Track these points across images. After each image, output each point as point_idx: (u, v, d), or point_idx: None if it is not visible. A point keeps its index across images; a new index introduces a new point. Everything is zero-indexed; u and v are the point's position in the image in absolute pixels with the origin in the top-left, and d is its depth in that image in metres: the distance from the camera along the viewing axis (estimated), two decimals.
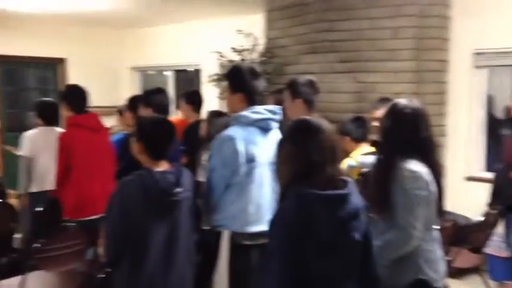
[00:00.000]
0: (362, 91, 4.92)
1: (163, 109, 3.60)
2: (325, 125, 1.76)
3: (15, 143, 4.46)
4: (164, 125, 2.44)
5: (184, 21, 7.43)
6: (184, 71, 8.11)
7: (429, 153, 2.19)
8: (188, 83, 8.01)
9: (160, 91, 3.72)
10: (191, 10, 6.58)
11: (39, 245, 2.91)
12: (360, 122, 3.37)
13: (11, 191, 4.31)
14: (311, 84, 2.95)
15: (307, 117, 1.87)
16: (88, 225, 3.41)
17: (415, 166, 2.12)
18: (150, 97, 3.68)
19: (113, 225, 2.26)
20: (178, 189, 2.27)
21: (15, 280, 3.04)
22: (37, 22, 7.20)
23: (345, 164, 2.97)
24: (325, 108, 4.17)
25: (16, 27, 7.06)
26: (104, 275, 2.46)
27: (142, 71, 8.64)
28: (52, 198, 3.72)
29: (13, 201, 4.08)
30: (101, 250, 2.41)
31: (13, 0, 5.70)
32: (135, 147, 2.37)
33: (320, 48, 5.19)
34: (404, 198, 2.10)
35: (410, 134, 2.18)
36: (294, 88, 2.92)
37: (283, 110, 2.75)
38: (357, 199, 1.72)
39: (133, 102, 4.02)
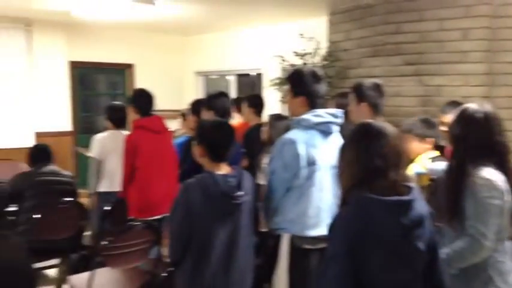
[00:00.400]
0: (428, 95, 4.77)
1: (225, 113, 3.65)
2: (389, 129, 1.71)
3: (86, 145, 4.68)
4: (225, 128, 2.45)
5: (247, 27, 7.51)
6: (247, 75, 8.20)
7: (503, 160, 2.08)
8: (250, 87, 8.08)
9: (223, 95, 3.77)
10: (254, 15, 6.65)
11: (106, 243, 3.01)
12: (428, 122, 3.18)
13: (82, 191, 4.52)
14: (377, 87, 2.87)
15: (370, 121, 1.83)
16: (153, 224, 3.51)
17: (490, 173, 2.02)
18: (213, 101, 3.74)
19: (177, 227, 2.31)
20: (239, 193, 2.29)
21: (84, 275, 3.16)
22: (108, 30, 7.53)
23: (412, 170, 2.85)
24: (389, 112, 4.07)
25: (90, 36, 7.42)
26: (167, 274, 2.52)
27: (206, 76, 8.82)
28: (119, 198, 3.86)
29: (84, 200, 4.28)
30: (164, 250, 2.46)
31: (87, 10, 6.01)
32: (197, 151, 2.41)
33: (384, 51, 5.08)
34: (477, 206, 2.01)
35: (483, 140, 2.08)
36: (359, 91, 2.86)
37: (346, 113, 2.70)
38: (421, 206, 1.66)
39: (196, 106, 4.09)
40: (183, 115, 5.10)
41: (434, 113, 3.75)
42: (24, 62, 6.86)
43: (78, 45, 7.33)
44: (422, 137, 3.05)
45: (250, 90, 7.61)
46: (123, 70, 8.21)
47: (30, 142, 5.96)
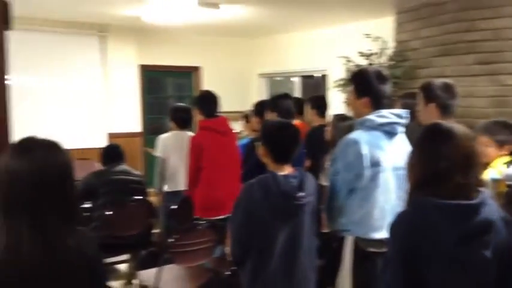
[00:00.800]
0: (503, 95, 4.53)
1: (289, 114, 3.65)
2: (460, 130, 1.62)
3: (154, 146, 4.85)
4: (289, 129, 2.44)
5: (312, 28, 7.49)
6: (311, 76, 8.16)
7: None
8: (315, 88, 8.04)
9: (286, 96, 3.78)
10: (319, 17, 6.61)
11: (172, 240, 3.11)
12: (508, 126, 2.97)
13: (150, 190, 4.71)
14: (447, 88, 2.75)
15: (439, 122, 1.76)
16: (217, 224, 3.58)
17: None
18: (277, 102, 3.76)
19: (238, 227, 2.33)
20: (301, 194, 2.28)
21: (152, 271, 3.28)
22: (176, 34, 7.77)
23: (488, 176, 2.70)
24: (461, 113, 3.90)
25: (158, 40, 7.69)
26: (230, 273, 2.56)
27: (270, 78, 8.86)
28: (185, 197, 3.97)
29: (153, 199, 4.44)
30: (227, 249, 2.51)
31: (156, 15, 6.22)
32: (261, 151, 2.41)
33: (455, 49, 4.89)
34: None
35: None
36: (428, 91, 2.76)
37: (412, 113, 2.62)
38: (490, 211, 1.55)
39: (259, 108, 4.13)
40: (246, 117, 5.16)
41: (509, 114, 3.56)
42: (98, 67, 7.21)
43: (147, 50, 7.62)
44: (502, 143, 2.86)
45: (315, 92, 7.56)
46: (190, 73, 8.43)
47: (103, 142, 6.24)
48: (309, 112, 4.54)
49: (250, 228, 2.27)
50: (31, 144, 1.46)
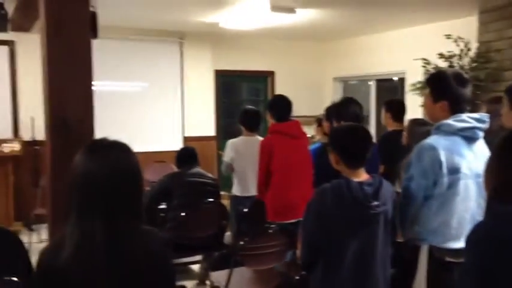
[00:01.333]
0: None
1: (356, 119, 3.56)
2: None
3: None
4: (359, 132, 2.38)
5: (389, 29, 7.29)
6: (388, 80, 7.94)
7: None
8: (391, 92, 7.82)
9: (351, 101, 3.69)
10: (396, 18, 6.43)
11: (242, 243, 3.13)
12: None
13: (223, 193, 4.80)
14: None
15: None
16: (288, 228, 3.57)
17: None
18: (340, 109, 3.68)
19: (309, 232, 2.30)
20: (375, 203, 2.21)
21: (224, 273, 3.33)
22: (250, 39, 7.87)
23: None
24: None
25: (233, 45, 7.83)
26: (299, 278, 2.54)
27: (344, 81, 8.73)
28: (257, 201, 4.00)
29: (225, 202, 4.52)
30: (298, 253, 2.49)
31: (233, 21, 6.35)
32: (332, 159, 2.36)
33: None
34: None
35: None
36: None
37: (491, 118, 2.47)
38: None
39: (330, 112, 4.07)
40: (318, 121, 5.12)
41: None
42: (177, 72, 7.46)
43: (222, 55, 7.78)
44: None
45: (391, 96, 7.36)
46: (264, 77, 8.50)
47: (179, 145, 6.43)
48: (383, 116, 4.42)
49: (321, 235, 2.23)
50: (103, 146, 1.53)
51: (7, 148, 5.51)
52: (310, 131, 5.44)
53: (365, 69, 7.89)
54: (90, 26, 5.38)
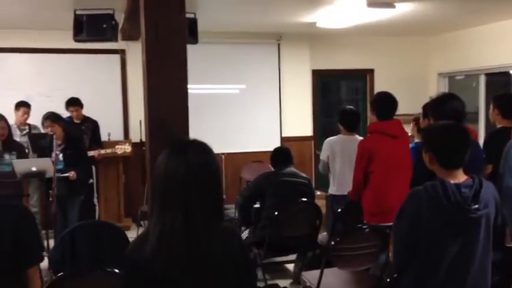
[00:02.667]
0: None
1: (457, 116, 3.33)
2: None
3: None
4: (455, 131, 2.23)
5: (499, 20, 6.76)
6: (500, 73, 7.36)
7: None
8: (502, 87, 7.25)
9: (451, 97, 3.46)
10: (508, 6, 5.94)
11: (333, 243, 3.09)
12: None
13: (319, 193, 4.78)
14: None
15: None
16: (384, 230, 3.46)
17: None
18: (437, 106, 3.47)
19: (401, 235, 2.21)
20: (475, 206, 2.06)
21: (316, 273, 3.31)
22: (348, 37, 7.73)
23: None
24: None
25: (330, 44, 7.75)
26: (391, 280, 2.45)
27: (450, 77, 8.25)
28: (352, 201, 3.92)
29: (322, 202, 4.50)
30: (391, 256, 2.40)
31: (331, 20, 6.30)
32: (426, 158, 2.25)
33: None
34: None
35: None
36: None
37: None
38: None
39: (427, 110, 3.87)
40: (415, 119, 4.90)
41: None
42: (274, 73, 7.56)
43: (320, 54, 7.72)
44: None
45: (503, 91, 6.82)
46: (363, 75, 8.30)
47: (276, 146, 6.49)
48: (492, 112, 4.12)
49: (415, 238, 2.14)
50: (183, 146, 1.60)
51: (120, 150, 5.94)
52: (410, 130, 5.22)
53: (473, 63, 7.38)
54: (190, 32, 5.65)
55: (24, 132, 5.73)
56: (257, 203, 4.18)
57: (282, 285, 4.19)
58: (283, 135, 7.53)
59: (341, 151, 4.33)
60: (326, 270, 3.20)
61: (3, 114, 4.78)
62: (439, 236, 2.10)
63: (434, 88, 8.20)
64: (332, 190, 4.44)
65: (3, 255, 2.08)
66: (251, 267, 1.72)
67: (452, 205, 2.05)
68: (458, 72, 8.00)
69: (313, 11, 5.95)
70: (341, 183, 4.33)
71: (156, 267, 1.48)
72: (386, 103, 3.78)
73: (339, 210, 4.01)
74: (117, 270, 2.43)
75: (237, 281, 1.55)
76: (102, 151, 5.69)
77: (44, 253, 2.42)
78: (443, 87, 8.24)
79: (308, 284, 3.37)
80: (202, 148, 1.60)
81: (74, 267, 2.94)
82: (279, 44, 7.55)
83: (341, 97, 8.72)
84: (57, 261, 3.07)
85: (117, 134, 6.68)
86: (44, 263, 2.46)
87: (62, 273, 2.51)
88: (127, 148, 5.95)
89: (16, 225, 2.15)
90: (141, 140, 6.24)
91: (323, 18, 6.28)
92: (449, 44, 7.87)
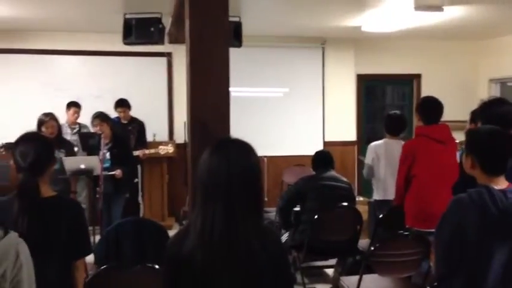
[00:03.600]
0: None
1: (504, 122, 3.21)
2: None
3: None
4: (499, 136, 2.16)
5: None
6: None
7: None
8: None
9: (501, 102, 3.34)
10: None
11: (373, 249, 3.05)
12: None
13: (361, 198, 4.73)
14: None
15: None
16: (426, 236, 3.38)
17: None
18: (485, 110, 3.35)
19: (444, 244, 2.14)
20: None
21: (355, 278, 3.27)
22: (394, 41, 7.61)
23: None
24: None
25: (375, 48, 7.65)
26: None
27: (503, 82, 7.96)
28: (395, 206, 3.85)
29: (364, 208, 4.45)
30: (431, 265, 2.35)
31: (377, 24, 6.22)
32: (467, 162, 2.19)
33: None
34: None
35: None
36: None
37: None
38: None
39: (475, 115, 3.75)
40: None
41: None
42: (318, 77, 7.52)
43: (365, 58, 7.63)
44: None
45: None
46: (410, 80, 8.14)
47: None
48: None
49: (459, 247, 2.07)
50: (225, 144, 1.63)
51: (163, 150, 6.08)
52: (460, 136, 5.07)
53: None
54: (235, 36, 5.72)
55: (75, 130, 5.94)
56: (297, 206, 4.18)
57: None
58: (325, 140, 7.49)
59: (385, 155, 4.28)
60: (365, 276, 3.16)
61: (55, 113, 4.98)
62: (486, 245, 2.03)
63: (485, 94, 7.91)
64: (376, 195, 4.38)
65: (58, 245, 2.21)
66: (288, 267, 1.73)
67: (501, 212, 1.99)
68: (511, 78, 7.72)
69: (359, 15, 5.90)
70: (385, 188, 4.27)
71: (196, 260, 1.52)
72: (431, 107, 3.71)
73: (381, 215, 3.95)
74: (157, 266, 2.50)
75: (273, 280, 1.56)
76: (147, 151, 5.84)
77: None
78: (495, 94, 7.96)
79: None
80: (243, 147, 1.63)
81: (117, 261, 3.03)
82: (323, 48, 7.52)
83: (386, 102, 8.58)
84: (102, 255, 3.17)
85: (162, 135, 6.83)
86: (90, 257, 2.56)
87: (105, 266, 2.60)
88: (170, 149, 6.09)
89: (71, 217, 2.28)
90: (185, 141, 6.35)
91: (368, 22, 6.21)
92: (502, 48, 7.60)
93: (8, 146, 4.73)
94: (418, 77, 8.02)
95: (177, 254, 1.57)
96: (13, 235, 1.24)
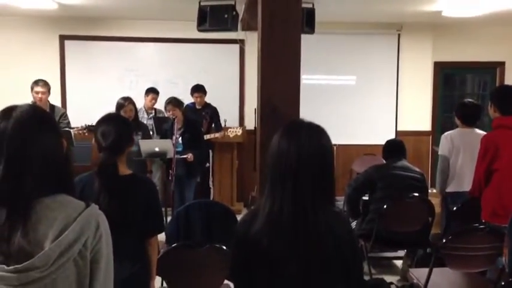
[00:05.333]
0: None
1: None
2: None
3: None
4: None
5: None
6: None
7: None
8: None
9: None
10: None
11: (445, 241, 2.95)
12: None
13: (434, 190, 4.58)
14: None
15: None
16: (503, 231, 3.22)
17: None
18: None
19: None
20: None
21: (425, 271, 3.18)
22: (476, 27, 7.20)
23: None
24: None
25: (456, 35, 7.28)
26: (504, 285, 2.29)
27: None
28: (470, 199, 3.70)
29: (437, 200, 4.30)
30: (503, 259, 2.25)
31: (459, 9, 5.91)
32: None
33: None
34: None
35: None
36: None
37: None
38: None
39: None
40: None
41: None
42: (392, 65, 7.30)
43: (443, 45, 7.30)
44: None
45: None
46: (492, 69, 7.69)
47: None
48: None
49: None
50: (297, 127, 1.63)
51: (231, 133, 6.20)
52: None
53: None
54: (307, 22, 5.67)
55: (151, 115, 6.19)
56: (366, 195, 4.11)
57: (388, 281, 4.10)
58: (398, 129, 7.28)
59: (460, 145, 4.10)
60: (436, 270, 3.07)
61: (133, 98, 5.21)
62: None
63: None
64: (450, 187, 4.21)
65: (134, 221, 2.32)
66: (357, 253, 1.70)
67: None
68: None
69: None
70: (460, 179, 4.10)
71: (263, 242, 1.53)
72: (507, 97, 3.51)
73: (455, 208, 3.81)
74: (224, 247, 2.58)
75: (342, 265, 1.55)
76: (217, 134, 5.98)
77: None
78: None
79: (415, 281, 3.26)
80: (315, 129, 1.62)
81: (187, 241, 3.15)
82: (399, 35, 7.27)
83: (465, 91, 8.16)
84: (173, 235, 3.31)
85: (233, 121, 6.94)
86: (161, 237, 2.68)
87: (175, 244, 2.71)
88: (238, 131, 6.19)
89: (147, 195, 2.39)
90: (255, 127, 6.41)
91: (449, 6, 5.92)
92: None
93: (90, 128, 5.01)
94: (501, 64, 7.56)
95: (245, 235, 1.58)
96: (94, 207, 1.32)
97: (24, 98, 4.46)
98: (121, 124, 2.46)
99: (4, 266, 1.19)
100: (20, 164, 1.26)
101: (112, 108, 4.87)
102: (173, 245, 2.71)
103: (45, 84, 5.32)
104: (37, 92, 5.24)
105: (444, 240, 2.95)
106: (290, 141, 1.57)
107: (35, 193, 1.26)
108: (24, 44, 6.84)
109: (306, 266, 1.52)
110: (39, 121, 1.33)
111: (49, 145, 1.32)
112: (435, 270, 3.06)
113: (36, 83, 5.29)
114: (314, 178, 1.54)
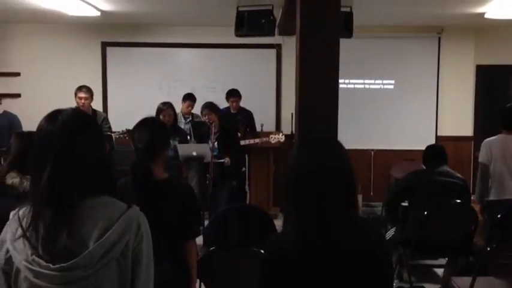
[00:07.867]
0: None
1: None
2: None
3: None
4: None
5: None
6: None
7: None
8: None
9: None
10: None
11: (489, 249, 2.86)
12: None
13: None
14: None
15: None
16: None
17: None
18: None
19: None
20: None
21: (467, 280, 3.09)
22: None
23: None
24: None
25: (500, 36, 7.01)
26: None
27: None
28: None
29: (477, 207, 4.17)
30: None
31: (499, 9, 5.74)
32: None
33: None
34: None
35: None
36: None
37: None
38: None
39: None
40: None
41: None
42: (432, 69, 7.16)
43: (486, 48, 7.10)
44: None
45: None
46: None
47: None
48: None
49: None
50: (311, 142, 1.63)
51: (274, 139, 6.06)
52: None
53: None
54: (345, 26, 5.63)
55: (188, 120, 6.27)
56: (405, 201, 4.03)
57: None
58: (438, 134, 7.11)
59: (501, 152, 3.96)
60: (480, 278, 2.98)
61: (171, 102, 5.28)
62: None
63: None
64: (491, 194, 4.08)
65: (171, 225, 2.32)
66: (389, 266, 1.66)
67: None
68: None
69: (481, 1, 5.48)
70: (500, 186, 3.96)
71: (292, 259, 1.51)
72: None
73: (499, 216, 3.68)
74: (262, 251, 2.57)
75: (373, 272, 1.52)
76: (257, 140, 5.91)
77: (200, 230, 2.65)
78: None
79: None
80: (330, 144, 1.61)
81: (224, 244, 3.17)
82: (439, 38, 7.12)
83: (510, 95, 7.89)
84: (210, 238, 3.33)
85: (270, 126, 6.94)
86: (200, 240, 2.70)
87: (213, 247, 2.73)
88: (281, 138, 6.03)
89: (183, 198, 2.40)
90: (292, 132, 6.40)
91: (494, 8, 5.75)
92: None
93: (130, 132, 5.10)
94: None
95: (275, 252, 1.56)
96: (135, 208, 1.35)
97: (68, 102, 4.59)
98: (155, 127, 2.50)
99: (50, 264, 1.23)
100: (66, 165, 1.30)
101: (152, 113, 4.96)
102: (211, 248, 2.73)
103: (88, 90, 5.47)
104: (80, 98, 5.39)
105: (489, 249, 2.86)
106: (304, 157, 1.56)
107: (80, 194, 1.30)
108: (69, 50, 7.06)
109: (334, 282, 1.50)
110: (84, 124, 1.37)
111: (93, 147, 1.35)
112: (479, 279, 2.96)
113: (80, 89, 5.45)
114: (334, 192, 1.51)
